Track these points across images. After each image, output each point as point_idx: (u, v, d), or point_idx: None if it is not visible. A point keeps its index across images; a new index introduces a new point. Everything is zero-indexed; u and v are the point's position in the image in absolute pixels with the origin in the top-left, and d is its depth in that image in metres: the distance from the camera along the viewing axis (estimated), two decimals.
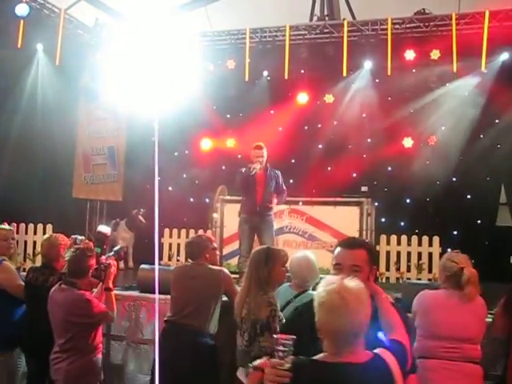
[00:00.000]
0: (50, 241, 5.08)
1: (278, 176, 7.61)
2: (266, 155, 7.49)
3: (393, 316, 2.60)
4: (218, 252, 5.38)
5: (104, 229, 5.21)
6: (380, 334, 2.48)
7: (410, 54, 9.98)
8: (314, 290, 4.38)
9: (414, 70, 10.11)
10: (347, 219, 9.06)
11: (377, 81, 10.35)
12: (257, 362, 2.50)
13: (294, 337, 2.27)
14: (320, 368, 2.25)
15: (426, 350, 4.10)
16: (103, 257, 4.68)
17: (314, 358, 2.30)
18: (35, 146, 10.39)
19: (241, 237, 7.61)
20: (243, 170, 7.46)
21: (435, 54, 9.90)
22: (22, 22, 9.64)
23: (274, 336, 2.32)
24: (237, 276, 6.66)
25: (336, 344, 2.25)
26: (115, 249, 4.90)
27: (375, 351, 2.32)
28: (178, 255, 11.03)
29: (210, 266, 5.07)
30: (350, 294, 2.23)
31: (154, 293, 6.29)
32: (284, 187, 7.68)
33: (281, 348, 2.26)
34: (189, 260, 5.31)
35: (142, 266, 7.26)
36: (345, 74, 10.17)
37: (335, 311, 2.21)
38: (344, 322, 2.21)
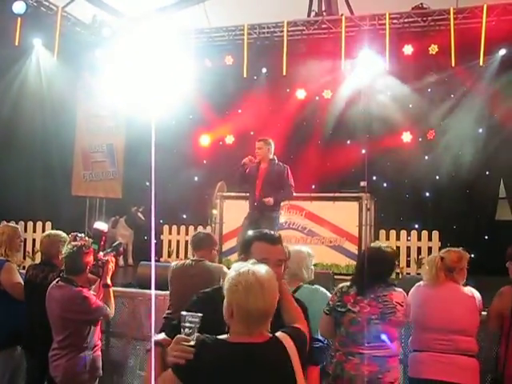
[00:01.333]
0: (49, 237, 5.05)
1: (283, 170, 7.23)
2: (266, 148, 7.24)
3: (296, 309, 2.69)
4: (217, 255, 5.33)
5: (101, 225, 5.18)
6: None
7: (408, 49, 9.95)
8: (310, 284, 4.35)
9: (412, 65, 10.07)
10: (346, 214, 9.05)
11: (376, 75, 10.30)
12: (158, 337, 2.53)
13: (201, 314, 2.31)
14: (222, 346, 2.30)
15: (419, 342, 4.20)
16: (101, 253, 4.64)
17: (219, 337, 2.34)
18: (34, 143, 10.36)
19: (241, 229, 7.45)
20: (245, 161, 7.30)
21: (433, 49, 9.87)
22: (19, 19, 9.60)
23: (182, 313, 2.35)
24: None
25: (248, 324, 2.30)
26: (113, 245, 4.86)
27: (275, 334, 2.39)
28: (178, 252, 11.02)
29: (209, 263, 5.04)
30: (264, 277, 2.31)
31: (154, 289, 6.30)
32: (291, 182, 7.23)
33: (187, 325, 2.30)
34: (189, 256, 5.28)
35: (142, 262, 7.28)
36: (343, 69, 10.15)
37: (252, 291, 2.26)
38: (260, 302, 2.27)
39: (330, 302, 4.02)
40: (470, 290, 4.20)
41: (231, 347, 2.30)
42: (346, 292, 3.98)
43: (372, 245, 4.58)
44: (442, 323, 4.08)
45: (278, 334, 2.40)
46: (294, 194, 7.56)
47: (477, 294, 4.22)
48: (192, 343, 2.28)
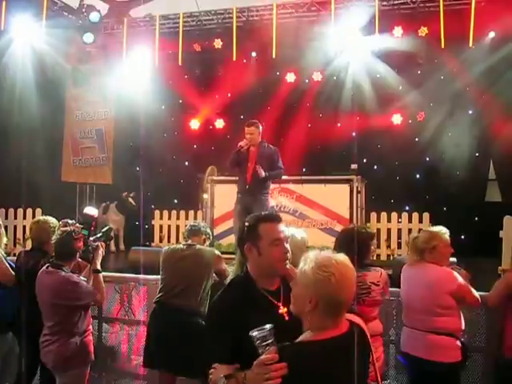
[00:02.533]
0: (39, 223, 5.02)
1: (273, 153, 7.25)
2: (258, 132, 7.20)
3: None
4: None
5: (91, 210, 5.15)
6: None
7: (397, 31, 9.89)
8: None
9: (402, 47, 10.01)
10: (337, 197, 9.03)
11: (366, 58, 10.24)
12: (222, 371, 2.32)
13: (271, 325, 2.11)
14: (313, 348, 2.17)
15: (404, 318, 4.36)
16: (91, 238, 4.61)
17: (297, 341, 2.21)
18: (22, 129, 10.25)
19: (234, 216, 7.42)
20: (239, 146, 7.25)
21: (423, 31, 9.82)
22: (3, 3, 9.46)
23: (250, 334, 2.12)
24: (232, 256, 6.61)
25: (336, 316, 2.22)
26: (103, 230, 4.83)
27: (348, 318, 2.31)
28: (169, 237, 11.00)
29: (200, 247, 5.04)
30: (350, 266, 2.25)
31: (145, 274, 6.29)
32: (280, 164, 7.26)
33: (263, 343, 2.10)
34: (180, 241, 5.29)
35: (133, 248, 7.26)
36: (333, 51, 10.08)
37: (346, 282, 2.19)
38: (351, 292, 2.23)
39: None
40: (445, 271, 4.16)
41: (323, 346, 2.17)
42: None
43: (348, 226, 4.61)
44: (415, 302, 4.20)
45: (350, 316, 2.33)
46: (284, 177, 7.70)
47: (451, 276, 4.14)
48: (277, 359, 2.08)
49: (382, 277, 4.04)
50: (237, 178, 7.54)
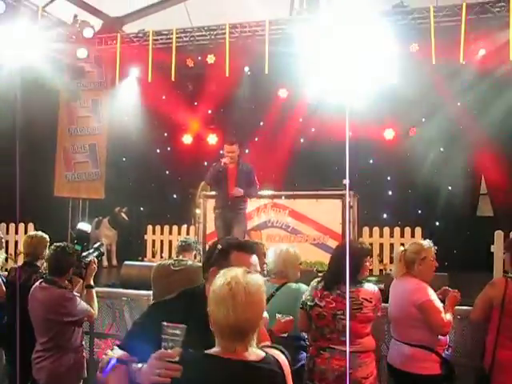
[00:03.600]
0: (34, 238, 5.05)
1: (250, 170, 7.61)
2: (237, 150, 7.52)
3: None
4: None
5: (84, 226, 5.20)
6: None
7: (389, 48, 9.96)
8: (295, 282, 4.39)
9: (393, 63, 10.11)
10: (330, 212, 9.04)
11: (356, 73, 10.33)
12: (115, 354, 2.32)
13: (185, 326, 2.07)
14: (213, 363, 2.10)
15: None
16: (84, 254, 4.64)
17: (207, 351, 2.14)
18: (15, 144, 10.23)
19: (218, 232, 7.70)
20: (214, 164, 7.54)
21: (414, 47, 9.92)
22: None
23: (163, 323, 2.08)
24: None
25: (223, 338, 2.12)
26: (95, 245, 4.87)
27: (265, 350, 2.23)
28: (162, 252, 11.00)
29: (191, 262, 5.07)
30: (241, 287, 2.11)
31: (138, 289, 6.31)
32: (256, 181, 7.65)
33: (169, 337, 2.06)
34: (172, 256, 5.34)
35: (126, 262, 7.27)
36: (324, 67, 10.17)
37: (221, 302, 2.09)
38: (230, 315, 2.08)
39: (303, 296, 4.17)
40: (418, 284, 4.18)
41: (224, 364, 2.09)
42: (315, 287, 4.13)
43: (343, 242, 4.66)
44: (394, 316, 4.32)
45: (268, 350, 2.25)
46: (276, 192, 8.35)
47: (421, 290, 4.14)
48: (177, 359, 2.06)
49: (375, 293, 4.07)
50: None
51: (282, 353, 2.29)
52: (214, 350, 2.14)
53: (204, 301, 2.28)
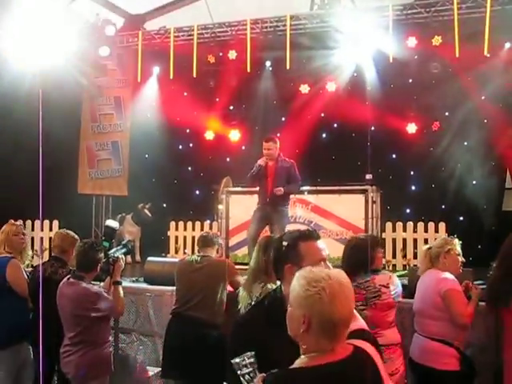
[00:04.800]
0: (63, 234, 5.18)
1: (289, 165, 7.55)
2: (275, 147, 7.48)
3: None
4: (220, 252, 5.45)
5: (112, 223, 5.26)
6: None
7: (411, 41, 9.92)
8: None
9: (415, 57, 10.06)
10: (352, 207, 9.07)
11: (379, 68, 10.30)
12: None
13: (253, 352, 2.05)
14: (306, 376, 1.99)
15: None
16: (112, 250, 4.72)
17: (289, 367, 2.04)
18: (38, 142, 10.36)
19: (251, 222, 7.65)
20: (254, 168, 7.50)
21: (437, 40, 9.85)
22: None
23: (233, 361, 2.04)
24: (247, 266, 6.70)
25: (331, 338, 2.03)
26: (123, 242, 4.95)
27: (353, 343, 2.14)
28: (185, 248, 11.08)
29: (214, 258, 5.13)
30: (345, 280, 2.09)
31: (161, 285, 6.38)
32: (297, 176, 7.59)
33: (246, 371, 2.03)
34: (195, 252, 5.40)
35: (149, 258, 7.34)
36: (346, 61, 10.16)
37: (338, 298, 2.01)
38: (346, 310, 2.04)
39: None
40: (444, 274, 4.23)
41: (317, 372, 1.98)
42: None
43: (353, 235, 4.69)
44: (418, 307, 4.37)
45: (356, 342, 2.15)
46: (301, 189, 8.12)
47: (447, 279, 4.20)
48: None
49: (392, 279, 4.09)
50: (251, 189, 7.98)
51: (369, 341, 2.22)
52: (301, 362, 2.05)
53: (284, 303, 2.23)
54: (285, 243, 2.55)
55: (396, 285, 4.13)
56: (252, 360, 2.04)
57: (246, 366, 2.04)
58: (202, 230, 10.89)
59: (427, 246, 4.49)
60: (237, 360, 2.05)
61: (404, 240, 9.84)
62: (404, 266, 9.52)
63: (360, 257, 4.03)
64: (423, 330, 4.22)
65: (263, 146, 7.47)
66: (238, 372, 2.04)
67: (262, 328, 2.36)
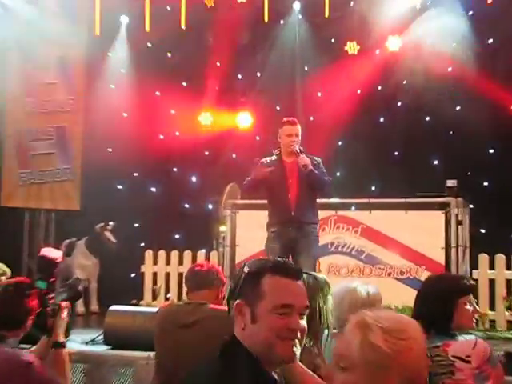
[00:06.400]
0: None
1: (317, 164, 7.31)
2: (300, 135, 7.32)
3: None
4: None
5: (52, 253, 5.22)
6: None
7: None
8: None
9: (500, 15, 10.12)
10: (426, 230, 9.00)
11: (473, 13, 10.31)
12: None
13: None
14: None
15: None
16: (50, 295, 4.65)
17: None
18: None
19: (267, 254, 7.43)
20: (264, 160, 7.34)
21: None
22: None
23: None
24: None
25: None
26: (68, 282, 4.88)
27: None
28: (168, 291, 11.01)
29: (214, 306, 5.03)
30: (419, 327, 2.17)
31: (131, 349, 6.31)
32: (329, 177, 7.43)
33: None
34: (183, 299, 5.33)
35: (112, 308, 7.29)
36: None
37: (423, 348, 2.15)
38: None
39: None
40: None
41: None
42: None
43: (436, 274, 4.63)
44: None
45: None
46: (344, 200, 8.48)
47: None
48: None
49: (477, 349, 3.95)
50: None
51: None
52: None
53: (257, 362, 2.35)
54: (246, 269, 2.56)
55: (485, 358, 4.02)
56: None
57: None
58: (193, 262, 10.84)
59: None
60: None
61: (508, 282, 9.70)
62: (509, 322, 9.39)
63: (432, 307, 3.96)
64: None
65: (284, 131, 7.23)
66: None
67: None
